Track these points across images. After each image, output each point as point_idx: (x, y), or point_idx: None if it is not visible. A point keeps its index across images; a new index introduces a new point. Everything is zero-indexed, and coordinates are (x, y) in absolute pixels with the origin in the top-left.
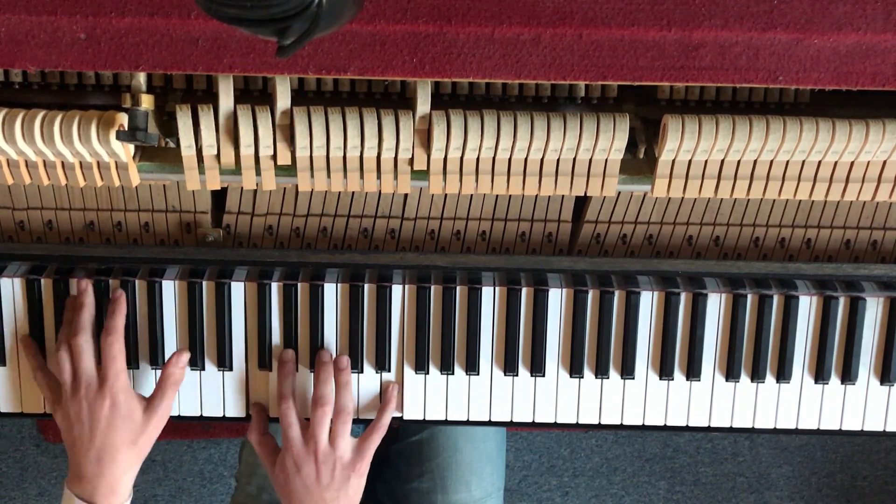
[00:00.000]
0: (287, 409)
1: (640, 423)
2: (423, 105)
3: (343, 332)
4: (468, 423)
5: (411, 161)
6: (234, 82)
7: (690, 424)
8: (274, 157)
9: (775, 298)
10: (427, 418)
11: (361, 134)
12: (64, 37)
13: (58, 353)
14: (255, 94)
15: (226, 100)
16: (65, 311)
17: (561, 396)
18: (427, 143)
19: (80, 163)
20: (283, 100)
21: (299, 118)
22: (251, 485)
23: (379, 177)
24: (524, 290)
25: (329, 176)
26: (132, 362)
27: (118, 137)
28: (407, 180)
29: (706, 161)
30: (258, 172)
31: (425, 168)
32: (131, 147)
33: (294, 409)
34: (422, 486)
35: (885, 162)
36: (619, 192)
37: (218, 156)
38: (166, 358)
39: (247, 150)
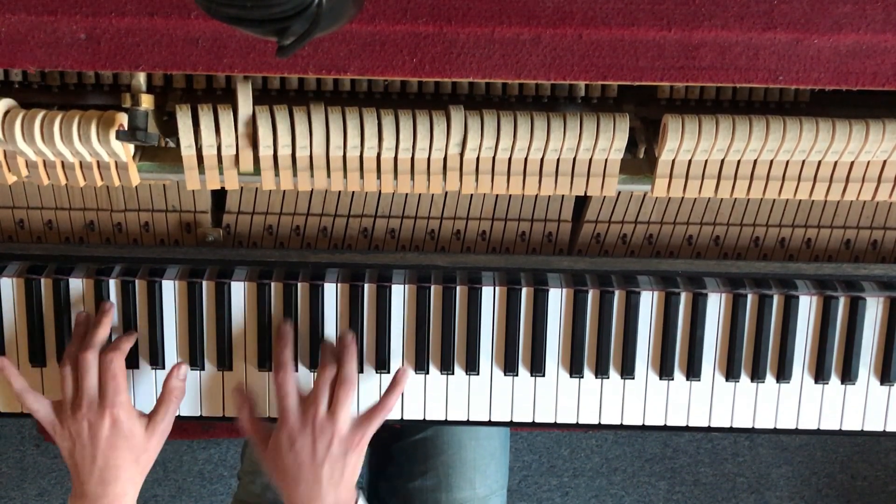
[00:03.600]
0: (284, 377)
1: (640, 423)
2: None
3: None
4: (468, 423)
5: (412, 161)
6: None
7: (690, 424)
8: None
9: (775, 298)
10: (427, 418)
11: (361, 134)
12: (64, 37)
13: (64, 366)
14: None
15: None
16: (75, 325)
17: (561, 396)
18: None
19: (80, 163)
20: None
21: (299, 118)
22: (254, 483)
23: (379, 177)
24: (524, 290)
25: (329, 175)
26: (132, 362)
27: (118, 137)
28: (407, 180)
29: (706, 161)
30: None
31: (425, 168)
32: (131, 147)
33: (292, 379)
34: (426, 483)
35: (885, 162)
36: (619, 192)
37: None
38: (166, 358)
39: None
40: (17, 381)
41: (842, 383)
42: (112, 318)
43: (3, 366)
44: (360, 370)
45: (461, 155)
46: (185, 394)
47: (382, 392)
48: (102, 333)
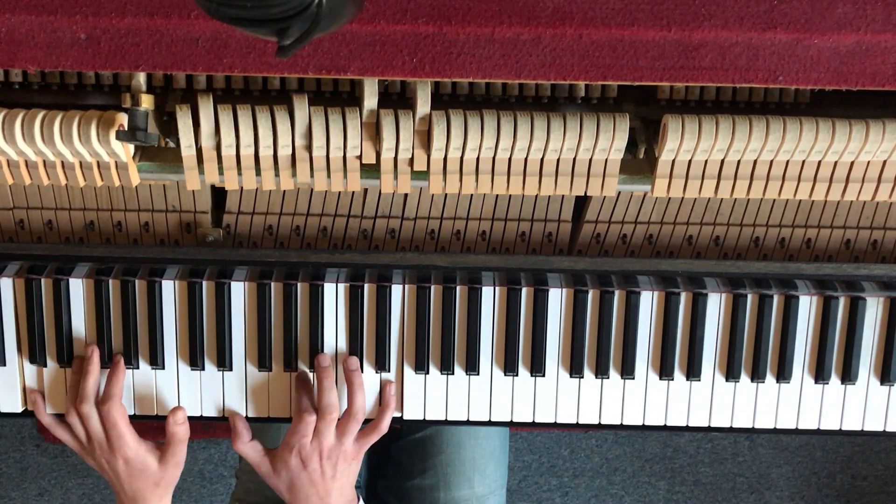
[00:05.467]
0: (308, 424)
1: (640, 423)
2: (423, 105)
3: (343, 332)
4: (468, 423)
5: (411, 161)
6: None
7: (690, 424)
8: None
9: (775, 298)
10: (427, 418)
11: (361, 134)
12: (64, 37)
13: (69, 417)
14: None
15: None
16: (71, 374)
17: (561, 396)
18: (427, 143)
19: (80, 163)
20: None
21: (300, 118)
22: (252, 482)
23: (379, 177)
24: (524, 290)
25: (329, 176)
26: (132, 362)
27: (118, 137)
28: (407, 180)
29: (706, 161)
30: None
31: (425, 168)
32: (131, 147)
33: (313, 424)
34: (424, 482)
35: (885, 162)
36: (619, 192)
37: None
38: (166, 358)
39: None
40: (44, 416)
41: (842, 383)
42: (97, 363)
43: (35, 399)
44: (360, 370)
45: (461, 155)
46: (188, 433)
47: (381, 388)
48: (93, 382)
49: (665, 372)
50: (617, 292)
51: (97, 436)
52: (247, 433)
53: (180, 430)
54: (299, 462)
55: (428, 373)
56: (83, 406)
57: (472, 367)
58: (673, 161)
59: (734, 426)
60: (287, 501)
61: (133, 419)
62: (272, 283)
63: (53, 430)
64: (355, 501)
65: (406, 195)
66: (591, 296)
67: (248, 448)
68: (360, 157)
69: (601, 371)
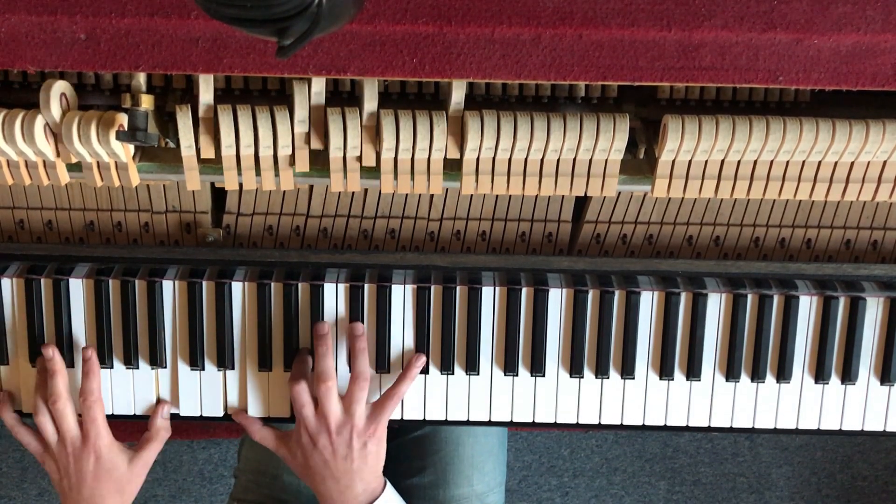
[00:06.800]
0: (301, 390)
1: (640, 423)
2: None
3: (343, 332)
4: (468, 423)
5: (412, 161)
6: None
7: (690, 424)
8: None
9: (775, 298)
10: (427, 418)
11: (361, 134)
12: (64, 37)
13: (38, 416)
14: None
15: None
16: (37, 373)
17: (561, 396)
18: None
19: (81, 163)
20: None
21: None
22: (251, 480)
23: (379, 177)
24: (524, 290)
25: (329, 176)
26: (132, 362)
27: (118, 137)
28: (407, 180)
29: (706, 161)
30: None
31: (425, 169)
32: (131, 147)
33: (308, 390)
34: (423, 480)
35: (885, 162)
36: (619, 192)
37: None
38: (167, 358)
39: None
40: (7, 416)
41: (842, 383)
42: (61, 361)
43: (2, 398)
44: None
45: (461, 156)
46: (170, 431)
47: (383, 391)
48: (62, 380)
49: (665, 372)
50: (617, 292)
51: (70, 433)
52: (256, 421)
53: (166, 425)
54: (309, 439)
55: (428, 373)
56: (58, 403)
57: (472, 367)
58: (673, 161)
59: (734, 426)
60: (312, 489)
61: (133, 419)
62: (272, 284)
63: (15, 430)
64: (380, 488)
65: (406, 195)
66: (591, 296)
67: (265, 434)
68: (359, 158)
69: (601, 371)
